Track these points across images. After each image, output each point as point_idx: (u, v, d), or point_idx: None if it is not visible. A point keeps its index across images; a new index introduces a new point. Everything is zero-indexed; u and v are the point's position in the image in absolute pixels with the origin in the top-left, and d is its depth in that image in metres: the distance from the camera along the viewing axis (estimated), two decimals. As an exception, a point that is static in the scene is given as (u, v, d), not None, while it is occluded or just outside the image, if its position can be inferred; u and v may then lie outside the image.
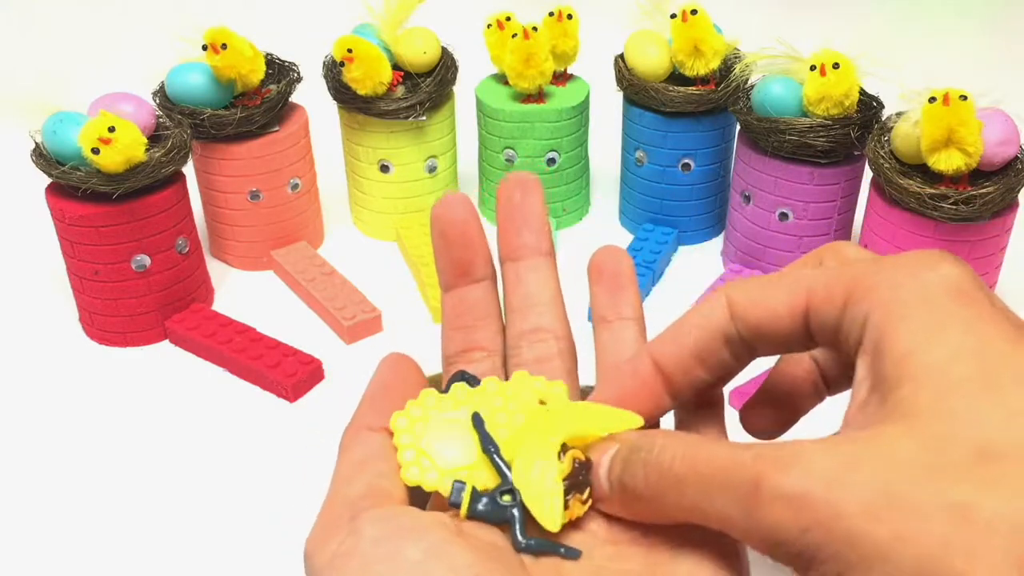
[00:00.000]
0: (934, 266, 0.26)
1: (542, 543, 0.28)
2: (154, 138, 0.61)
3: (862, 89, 0.62)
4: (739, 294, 0.30)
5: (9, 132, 0.62)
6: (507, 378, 0.33)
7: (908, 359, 0.24)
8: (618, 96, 0.74)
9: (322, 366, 0.61)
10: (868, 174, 0.62)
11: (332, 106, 0.73)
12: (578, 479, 0.29)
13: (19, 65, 1.06)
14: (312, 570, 0.27)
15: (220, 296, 0.70)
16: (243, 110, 0.66)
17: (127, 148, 0.57)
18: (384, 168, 0.73)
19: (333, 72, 0.70)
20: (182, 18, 0.65)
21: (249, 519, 0.51)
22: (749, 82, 0.66)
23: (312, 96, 0.72)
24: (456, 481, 0.29)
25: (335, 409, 0.59)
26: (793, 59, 0.62)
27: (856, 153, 0.64)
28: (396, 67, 0.70)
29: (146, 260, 0.62)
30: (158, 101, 0.67)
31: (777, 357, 0.34)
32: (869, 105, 0.63)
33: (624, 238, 0.76)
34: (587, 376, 0.54)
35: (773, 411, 0.34)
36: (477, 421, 0.30)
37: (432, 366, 0.36)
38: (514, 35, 0.70)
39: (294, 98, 0.71)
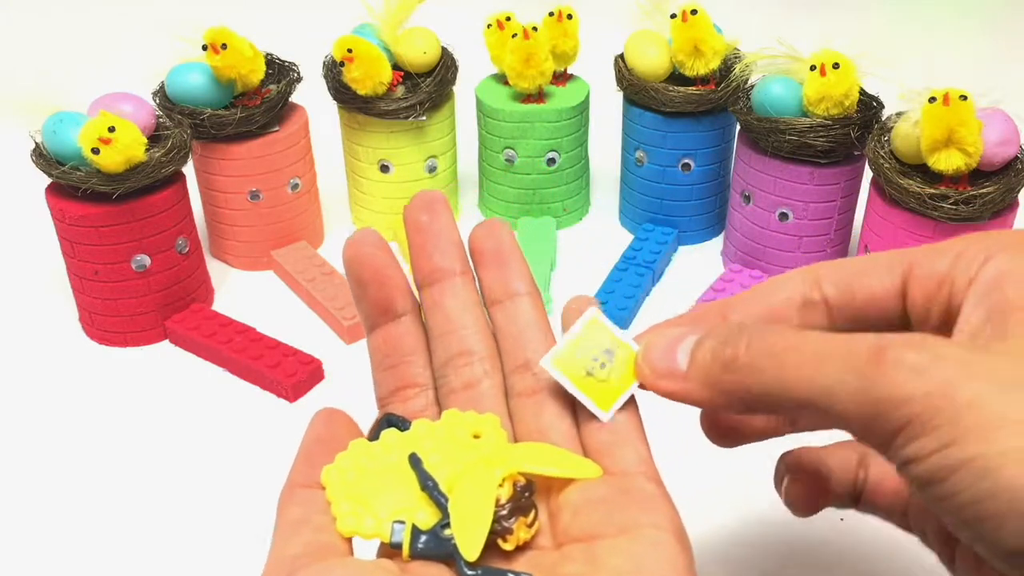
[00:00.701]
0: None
1: (489, 571, 0.28)
2: (154, 138, 0.61)
3: (862, 89, 0.63)
4: (832, 262, 0.31)
5: (9, 132, 0.62)
6: (442, 409, 0.33)
7: (993, 298, 0.25)
8: (618, 96, 0.74)
9: (322, 366, 0.61)
10: (868, 174, 0.62)
11: (332, 106, 0.73)
12: (521, 502, 0.29)
13: (19, 65, 1.06)
14: None
15: (220, 296, 0.70)
16: (243, 110, 0.66)
17: (127, 148, 0.57)
18: (384, 168, 0.73)
19: (333, 72, 0.70)
20: (182, 18, 0.65)
21: (249, 519, 0.51)
22: (749, 82, 0.66)
23: (312, 96, 0.72)
24: (395, 522, 0.29)
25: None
26: (793, 59, 0.62)
27: (856, 153, 0.64)
28: (396, 67, 0.70)
29: (146, 260, 0.62)
30: (158, 101, 0.67)
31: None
32: (869, 105, 0.63)
33: (624, 238, 0.76)
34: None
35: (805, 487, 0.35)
36: (414, 460, 0.30)
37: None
38: (514, 35, 0.70)
39: (294, 98, 0.71)
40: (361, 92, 0.69)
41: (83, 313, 0.65)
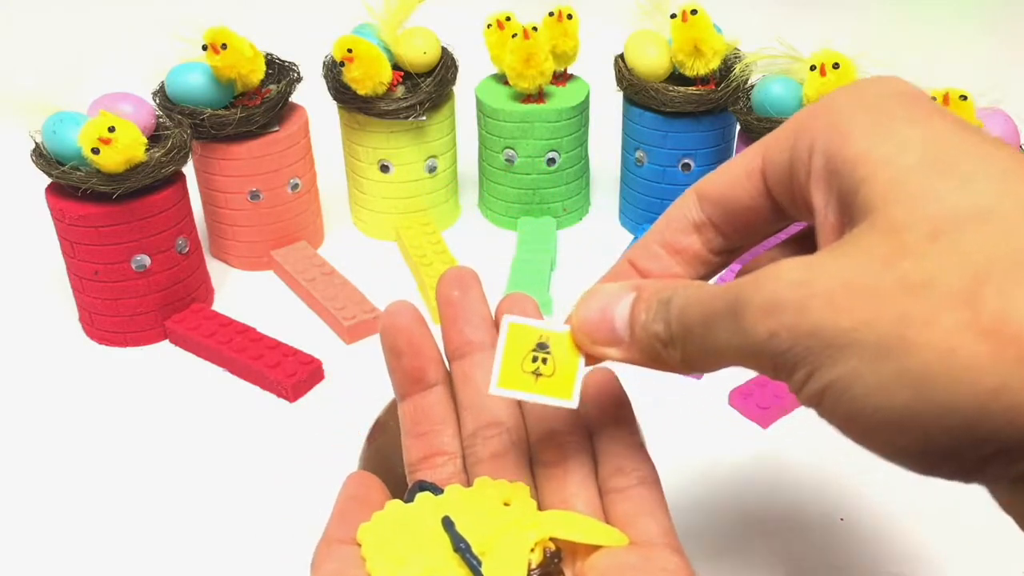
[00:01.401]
0: (876, 81, 0.27)
1: None
2: (154, 138, 0.61)
3: (862, 89, 0.62)
4: (704, 179, 0.32)
5: (9, 132, 0.62)
6: (469, 477, 0.34)
7: (859, 164, 0.25)
8: (618, 96, 0.74)
9: (322, 366, 0.61)
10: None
11: (332, 106, 0.73)
12: (550, 568, 0.30)
13: (19, 65, 1.06)
14: None
15: (220, 296, 0.70)
16: (243, 110, 0.66)
17: (127, 148, 0.57)
18: (384, 168, 0.73)
19: (333, 72, 0.70)
20: (182, 18, 0.65)
21: (249, 519, 0.51)
22: (749, 82, 0.66)
23: (312, 96, 0.72)
24: None
25: (335, 409, 0.59)
26: (793, 59, 0.62)
27: (856, 153, 0.64)
28: (396, 67, 0.70)
29: (146, 260, 0.62)
30: (158, 101, 0.67)
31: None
32: (869, 105, 0.63)
33: (624, 238, 0.76)
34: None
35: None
36: (447, 523, 0.30)
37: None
38: (514, 35, 0.70)
39: (294, 98, 0.71)
40: (361, 92, 0.69)
41: (83, 313, 0.65)
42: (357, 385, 0.61)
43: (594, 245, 0.75)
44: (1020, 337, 0.21)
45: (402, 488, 0.33)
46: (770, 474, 0.54)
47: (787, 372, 0.24)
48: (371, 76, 0.68)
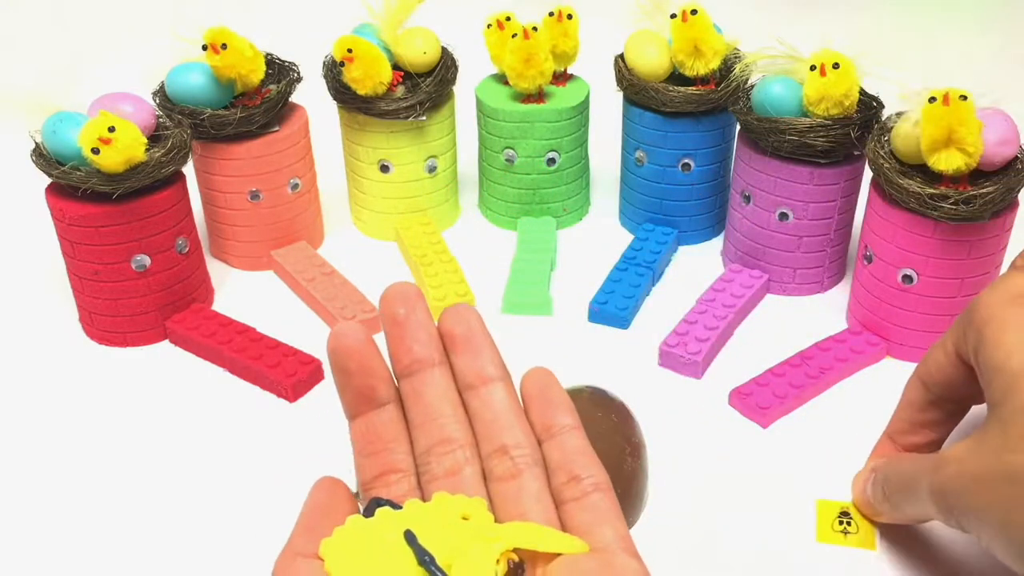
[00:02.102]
0: (1009, 280, 0.36)
1: None
2: (154, 138, 0.61)
3: (862, 89, 0.62)
4: (924, 368, 0.45)
5: (9, 132, 0.62)
6: (424, 494, 0.34)
7: (986, 366, 0.36)
8: (618, 96, 0.74)
9: (322, 366, 0.61)
10: (868, 174, 0.62)
11: (332, 106, 0.73)
12: None
13: (19, 65, 1.06)
14: None
15: (220, 296, 0.70)
16: (243, 110, 0.66)
17: (127, 148, 0.57)
18: (384, 168, 0.73)
19: (333, 72, 0.70)
20: (182, 18, 0.65)
21: (249, 519, 0.51)
22: (749, 82, 0.66)
23: (312, 96, 0.72)
24: None
25: (335, 409, 0.59)
26: (793, 59, 0.62)
27: (856, 153, 0.64)
28: (396, 67, 0.70)
29: (146, 260, 0.62)
30: (158, 101, 0.67)
31: None
32: (869, 105, 0.63)
33: (624, 238, 0.76)
34: (597, 379, 0.53)
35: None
36: (410, 537, 0.31)
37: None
38: (514, 35, 0.70)
39: (294, 98, 0.71)
40: (361, 92, 0.69)
41: (83, 313, 0.65)
42: (357, 385, 0.61)
43: (594, 245, 0.75)
44: None
45: None
46: (770, 474, 0.54)
47: (945, 519, 0.40)
48: (371, 76, 0.68)
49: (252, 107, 0.66)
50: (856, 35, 0.64)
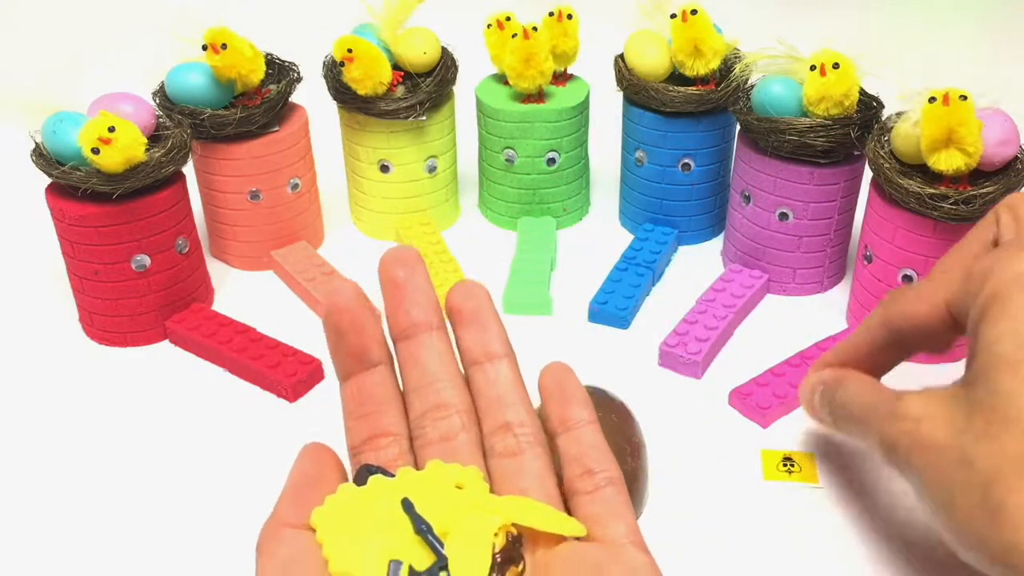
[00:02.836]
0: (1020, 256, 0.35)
1: None
2: (154, 138, 0.61)
3: (862, 89, 0.62)
4: (893, 310, 0.43)
5: (9, 132, 0.62)
6: (415, 459, 0.34)
7: (976, 339, 0.35)
8: (618, 96, 0.74)
9: (322, 366, 0.61)
10: (868, 174, 0.62)
11: (332, 106, 0.73)
12: (511, 553, 0.30)
13: (19, 65, 1.06)
14: None
15: (220, 296, 0.70)
16: (243, 110, 0.66)
17: (127, 148, 0.57)
18: (384, 168, 0.73)
19: (333, 72, 0.70)
20: (182, 18, 0.65)
21: (249, 519, 0.51)
22: (749, 82, 0.66)
23: (312, 96, 0.72)
24: (392, 561, 0.29)
25: (335, 409, 0.59)
26: (793, 59, 0.62)
27: (856, 153, 0.64)
28: (396, 67, 0.70)
29: (146, 260, 0.62)
30: (158, 101, 0.67)
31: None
32: (869, 105, 0.63)
33: (624, 238, 0.76)
34: (597, 379, 0.53)
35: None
36: (407, 505, 0.30)
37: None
38: (514, 35, 0.70)
39: (294, 98, 0.71)
40: (361, 92, 0.69)
41: (83, 313, 0.65)
42: (357, 385, 0.61)
43: (594, 245, 0.75)
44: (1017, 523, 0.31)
45: None
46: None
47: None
48: (371, 76, 0.68)
49: (252, 107, 0.66)
50: (856, 35, 0.64)
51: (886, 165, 0.58)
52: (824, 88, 0.60)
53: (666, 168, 0.72)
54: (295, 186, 0.71)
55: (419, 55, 0.70)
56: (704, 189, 0.73)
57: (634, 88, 0.70)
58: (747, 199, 0.67)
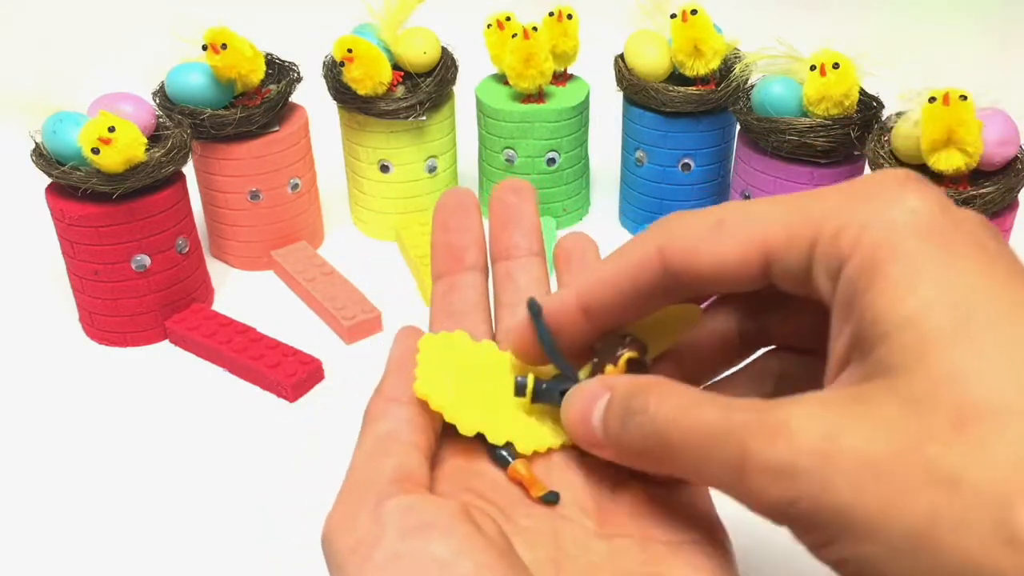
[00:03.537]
0: (900, 199, 0.25)
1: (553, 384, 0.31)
2: (154, 138, 0.61)
3: (862, 89, 0.62)
4: (675, 244, 0.28)
5: (9, 132, 0.62)
6: None
7: (883, 316, 0.23)
8: (618, 96, 0.74)
9: (322, 366, 0.61)
10: (868, 174, 0.62)
11: (332, 106, 0.73)
12: (641, 358, 0.31)
13: (19, 65, 1.06)
14: (332, 552, 0.26)
15: (220, 296, 0.70)
16: (243, 110, 0.66)
17: (127, 148, 0.57)
18: (384, 168, 0.73)
19: (333, 72, 0.70)
20: (182, 18, 0.65)
21: (249, 519, 0.51)
22: (749, 82, 0.66)
23: (312, 96, 0.72)
24: (518, 377, 0.31)
25: (335, 409, 0.59)
26: (793, 59, 0.62)
27: (856, 153, 0.64)
28: (396, 67, 0.70)
29: (146, 260, 0.62)
30: (158, 101, 0.67)
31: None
32: (869, 105, 0.63)
33: (624, 238, 0.76)
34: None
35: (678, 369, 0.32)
36: (535, 308, 0.30)
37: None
38: (514, 35, 0.70)
39: (294, 98, 0.71)
40: (361, 92, 0.69)
41: (83, 313, 0.65)
42: (357, 385, 0.61)
43: (594, 245, 0.75)
44: None
45: None
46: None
47: (800, 531, 0.25)
48: (371, 76, 0.68)
49: (252, 107, 0.66)
50: (856, 35, 0.64)
51: (886, 165, 0.58)
52: (824, 88, 0.60)
53: (666, 168, 0.72)
54: (295, 186, 0.71)
55: (419, 55, 0.70)
56: (704, 189, 0.73)
57: (634, 88, 0.70)
58: (747, 199, 0.67)
